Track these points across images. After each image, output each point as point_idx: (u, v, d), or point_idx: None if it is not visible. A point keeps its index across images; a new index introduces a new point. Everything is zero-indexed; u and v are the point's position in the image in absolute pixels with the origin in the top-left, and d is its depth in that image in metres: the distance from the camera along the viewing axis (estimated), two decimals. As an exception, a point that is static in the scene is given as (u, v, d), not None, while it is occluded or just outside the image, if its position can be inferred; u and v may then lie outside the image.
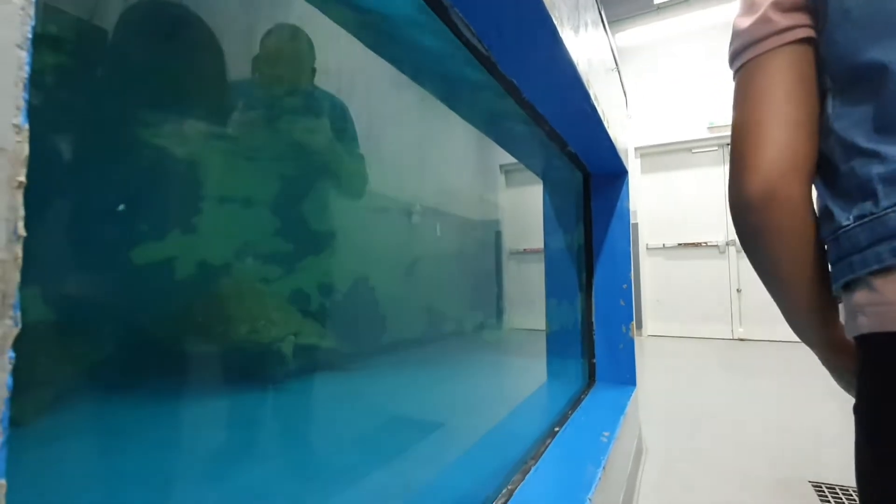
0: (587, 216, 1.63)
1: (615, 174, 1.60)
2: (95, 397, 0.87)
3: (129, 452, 0.84)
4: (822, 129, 0.42)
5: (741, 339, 3.88)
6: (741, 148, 0.44)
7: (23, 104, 0.11)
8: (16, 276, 0.11)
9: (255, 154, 1.12)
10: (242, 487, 0.81)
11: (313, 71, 1.15)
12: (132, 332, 1.00)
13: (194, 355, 1.07)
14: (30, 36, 0.12)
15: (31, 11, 0.12)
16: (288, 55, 1.12)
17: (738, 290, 3.95)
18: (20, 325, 0.11)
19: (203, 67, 1.02)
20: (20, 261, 0.11)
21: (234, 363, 1.13)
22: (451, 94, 0.96)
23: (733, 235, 4.00)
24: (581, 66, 0.82)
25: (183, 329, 1.07)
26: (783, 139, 0.42)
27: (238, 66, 1.09)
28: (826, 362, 0.52)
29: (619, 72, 1.52)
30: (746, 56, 0.44)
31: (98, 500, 0.68)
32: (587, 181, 1.63)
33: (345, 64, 1.23)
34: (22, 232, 0.11)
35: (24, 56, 0.12)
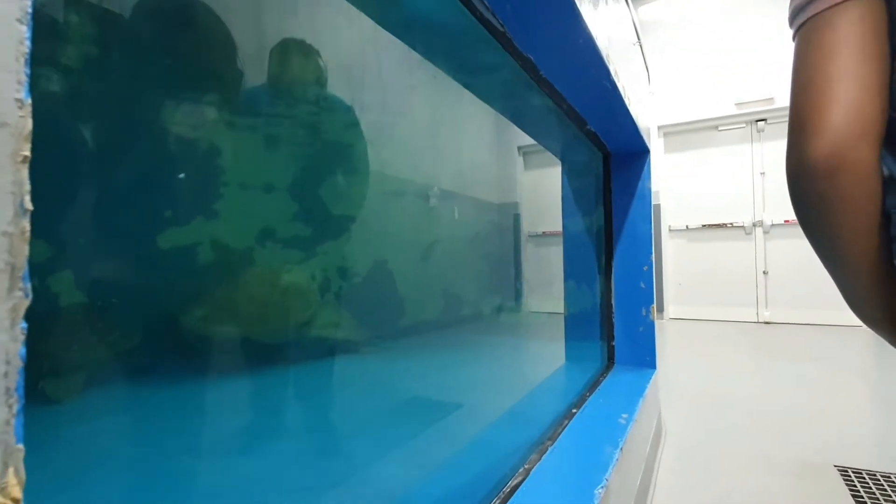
0: (607, 197, 1.60)
1: (636, 153, 1.56)
2: (125, 378, 0.91)
3: (157, 429, 0.87)
4: (892, 93, 0.39)
5: (767, 323, 3.80)
6: (805, 110, 0.40)
7: (24, 79, 0.12)
8: (25, 250, 0.12)
9: (275, 143, 1.13)
10: (272, 460, 0.84)
11: (320, 78, 1.15)
12: (159, 316, 1.03)
13: (216, 338, 1.10)
14: (29, 10, 0.12)
15: (30, -15, 0.12)
16: (296, 75, 1.13)
17: (765, 272, 3.85)
18: (31, 297, 0.12)
19: (224, 65, 1.03)
20: (28, 234, 0.12)
21: (255, 346, 1.16)
22: (467, 73, 0.94)
23: (760, 216, 3.88)
24: (601, 42, 0.79)
25: (206, 312, 1.09)
26: (852, 99, 0.38)
27: (255, 66, 1.09)
28: (894, 342, 0.49)
29: (641, 47, 1.47)
30: (811, 10, 0.40)
31: (128, 469, 0.72)
32: (607, 161, 1.60)
33: (359, 45, 1.22)
34: (28, 206, 0.12)
35: (25, 30, 0.12)
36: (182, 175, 0.98)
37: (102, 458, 0.74)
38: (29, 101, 0.12)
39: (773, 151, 3.86)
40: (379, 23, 0.74)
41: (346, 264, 1.34)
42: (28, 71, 0.12)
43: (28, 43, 0.12)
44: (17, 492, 0.11)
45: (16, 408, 0.11)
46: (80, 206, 0.79)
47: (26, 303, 0.12)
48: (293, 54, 1.14)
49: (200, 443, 0.87)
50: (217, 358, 1.08)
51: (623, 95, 1.05)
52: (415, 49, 0.87)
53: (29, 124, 0.12)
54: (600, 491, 0.70)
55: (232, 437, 0.91)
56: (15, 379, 0.11)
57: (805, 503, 1.02)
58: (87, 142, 0.82)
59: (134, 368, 0.92)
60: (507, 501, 0.67)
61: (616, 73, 0.94)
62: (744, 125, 3.95)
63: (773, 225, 3.84)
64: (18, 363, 0.11)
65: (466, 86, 1.05)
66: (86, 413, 0.80)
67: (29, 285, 0.12)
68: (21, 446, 0.11)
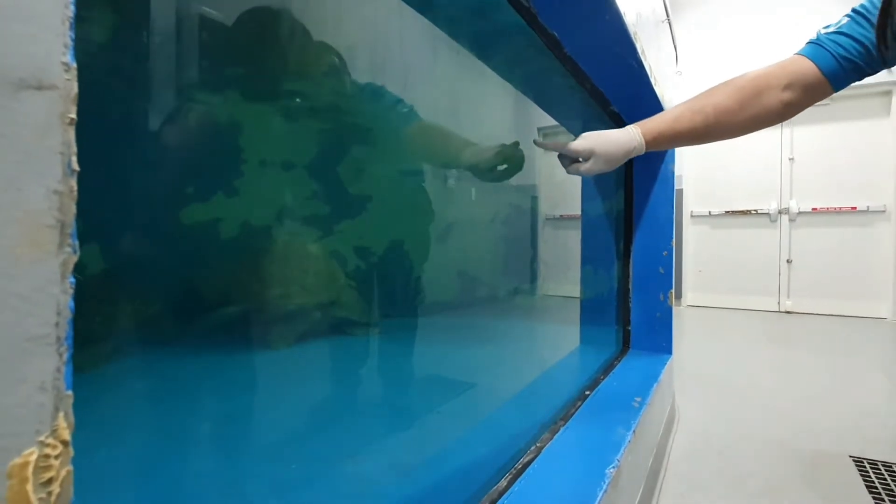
0: (628, 180, 1.57)
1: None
2: (149, 348, 0.94)
3: (180, 398, 0.91)
4: None
5: (788, 312, 3.73)
6: None
7: (70, 42, 0.12)
8: (73, 208, 0.12)
9: (295, 119, 1.13)
10: (285, 430, 0.86)
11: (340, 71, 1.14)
12: (182, 289, 1.06)
13: (238, 312, 1.12)
14: (73, -25, 0.12)
15: (73, -50, 0.12)
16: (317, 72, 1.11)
17: (789, 261, 3.76)
18: (78, 253, 0.12)
19: (252, 45, 1.02)
20: (76, 193, 0.12)
21: (271, 322, 1.19)
22: (489, 49, 0.93)
23: (786, 203, 3.78)
24: (629, 18, 0.77)
25: (228, 287, 1.12)
26: None
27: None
28: None
29: (670, 24, 1.43)
30: None
31: (154, 435, 0.75)
32: (630, 143, 1.56)
33: (379, 21, 1.21)
34: (76, 167, 0.12)
35: (70, -5, 0.12)
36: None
37: (126, 422, 0.78)
38: (74, 64, 0.12)
39: (804, 136, 3.73)
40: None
41: (364, 243, 1.35)
42: (73, 35, 0.12)
43: (72, 7, 0.12)
44: (66, 434, 0.12)
45: (66, 356, 0.12)
46: (108, 181, 0.81)
47: (74, 258, 0.12)
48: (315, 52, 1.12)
49: (218, 411, 0.90)
50: (238, 331, 1.11)
51: (650, 75, 1.02)
52: (435, 24, 0.86)
53: (75, 87, 0.12)
54: (611, 471, 0.70)
55: (259, 408, 0.94)
56: (65, 329, 0.12)
57: (817, 491, 1.02)
58: (124, 124, 0.84)
59: (157, 339, 0.95)
60: (518, 477, 0.68)
61: (643, 51, 0.92)
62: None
63: (799, 213, 3.73)
64: (68, 314, 0.12)
65: (488, 64, 1.04)
66: (111, 381, 0.83)
67: (77, 242, 0.12)
68: (70, 392, 0.12)
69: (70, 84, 0.12)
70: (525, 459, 0.74)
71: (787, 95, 0.67)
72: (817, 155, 3.68)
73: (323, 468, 0.77)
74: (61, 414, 0.12)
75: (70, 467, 0.12)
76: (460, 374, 1.29)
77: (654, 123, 0.73)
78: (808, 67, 0.64)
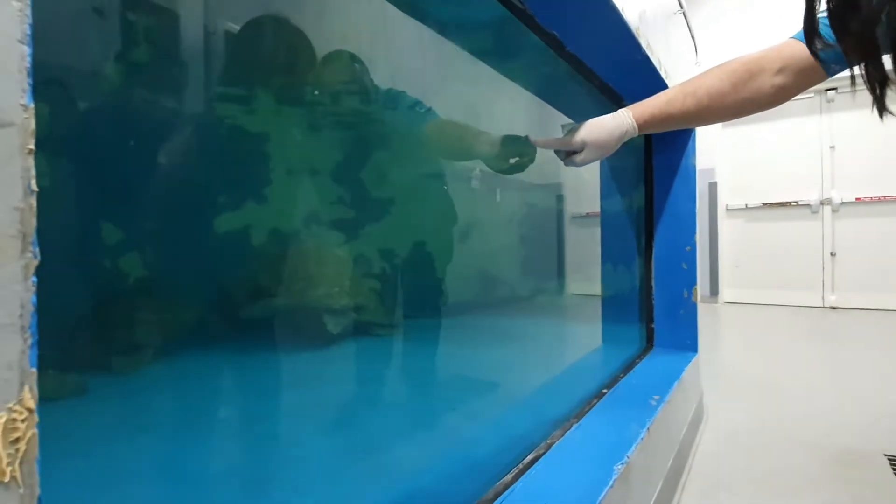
0: (648, 175, 1.55)
1: (680, 129, 1.49)
2: (188, 353, 1.00)
3: (218, 398, 0.96)
4: None
5: (833, 308, 3.55)
6: None
7: (27, 87, 0.15)
8: (33, 221, 0.15)
9: (320, 126, 1.17)
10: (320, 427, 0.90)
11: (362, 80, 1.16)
12: (217, 295, 1.12)
13: (270, 315, 1.18)
14: (29, 32, 0.15)
15: (28, 12, 0.15)
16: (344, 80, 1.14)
17: (833, 254, 3.57)
18: (39, 258, 0.15)
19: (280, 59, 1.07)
20: (34, 209, 0.15)
21: (301, 325, 1.23)
22: (492, 54, 0.94)
23: (828, 193, 3.60)
24: (627, 14, 0.77)
25: (258, 291, 1.17)
26: None
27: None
28: None
29: (685, 16, 1.40)
30: None
31: (195, 428, 0.80)
32: (649, 138, 1.54)
33: (395, 31, 1.23)
34: (34, 187, 0.15)
35: (26, 49, 0.15)
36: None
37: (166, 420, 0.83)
38: (32, 104, 0.15)
39: (845, 122, 3.54)
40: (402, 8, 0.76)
41: (388, 246, 1.38)
42: (30, 81, 0.15)
43: (29, 59, 0.15)
44: (31, 404, 0.15)
45: (30, 342, 0.15)
46: (147, 194, 0.87)
47: (35, 262, 0.15)
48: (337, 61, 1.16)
49: (254, 408, 0.94)
50: (268, 334, 1.16)
51: (659, 69, 1.01)
52: (447, 37, 0.88)
53: (32, 124, 0.15)
54: (620, 467, 0.70)
55: (297, 407, 0.97)
56: (28, 320, 0.15)
57: (849, 491, 0.97)
58: (160, 140, 0.90)
59: (195, 344, 1.01)
60: (524, 472, 0.69)
61: (649, 45, 0.91)
62: (811, 95, 3.64)
63: (842, 203, 3.54)
64: (31, 308, 0.15)
65: (495, 67, 1.05)
66: (149, 383, 0.89)
67: (37, 249, 0.15)
68: (34, 370, 0.15)
69: (28, 121, 0.15)
70: (533, 455, 0.75)
71: (779, 80, 0.65)
72: (860, 142, 3.49)
73: (350, 461, 0.80)
74: (27, 387, 0.15)
75: (35, 430, 0.15)
76: (479, 373, 1.30)
77: (645, 106, 0.73)
78: (802, 51, 0.62)
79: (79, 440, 0.67)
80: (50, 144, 0.68)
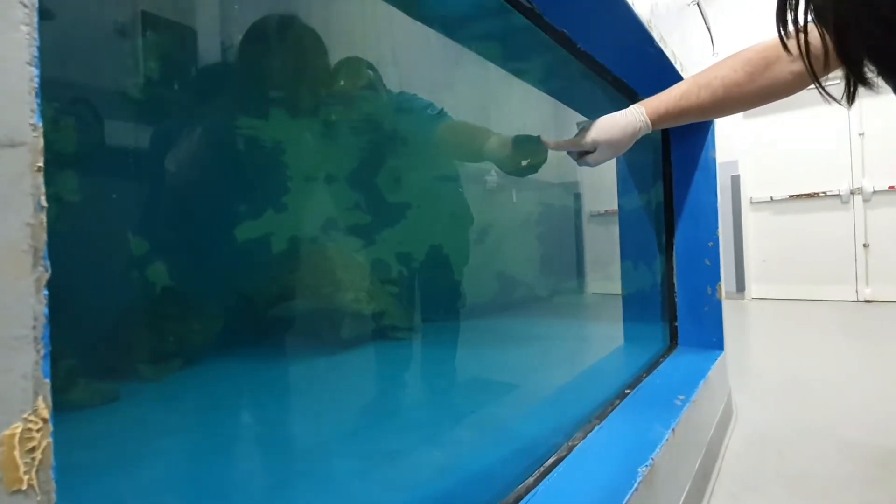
0: (667, 170, 1.52)
1: (698, 122, 1.46)
2: (214, 360, 1.02)
3: (246, 403, 0.98)
4: None
5: (868, 301, 3.42)
6: None
7: (36, 108, 0.15)
8: (43, 236, 0.15)
9: (335, 134, 1.18)
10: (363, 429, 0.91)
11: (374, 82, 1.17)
12: (239, 303, 1.14)
13: (291, 322, 1.19)
14: (36, 55, 0.16)
15: (36, 35, 0.15)
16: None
17: (865, 245, 3.44)
18: (50, 272, 0.16)
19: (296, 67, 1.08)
20: (45, 225, 0.15)
21: (322, 330, 1.25)
22: (502, 55, 0.94)
23: (858, 182, 3.47)
24: (638, 7, 0.76)
25: (279, 297, 1.19)
26: None
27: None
28: None
29: (700, 7, 1.37)
30: None
31: (219, 433, 0.81)
32: (666, 131, 1.51)
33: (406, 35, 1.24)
34: (44, 203, 0.16)
35: (34, 71, 0.15)
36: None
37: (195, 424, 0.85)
38: (41, 124, 0.16)
39: (874, 108, 3.41)
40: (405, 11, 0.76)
41: (405, 249, 1.39)
42: (39, 101, 0.15)
43: (37, 80, 0.15)
44: (45, 413, 0.15)
45: (43, 352, 0.15)
46: (170, 206, 0.90)
47: (47, 276, 0.15)
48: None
49: (280, 414, 0.96)
50: (291, 340, 1.18)
51: (673, 62, 0.99)
52: (459, 41, 0.88)
53: (41, 142, 0.16)
54: (644, 469, 0.69)
55: (324, 411, 0.99)
56: (41, 331, 0.15)
57: (886, 491, 0.93)
58: (182, 153, 0.92)
59: (221, 351, 1.04)
60: (546, 474, 0.69)
61: (662, 38, 0.90)
62: (837, 80, 3.50)
63: (874, 192, 3.41)
64: (43, 320, 0.15)
65: (506, 68, 1.05)
66: (196, 388, 0.92)
67: (48, 262, 0.16)
68: (48, 380, 0.15)
69: (37, 140, 0.15)
70: (555, 457, 0.74)
71: (797, 66, 0.63)
72: (891, 128, 3.36)
73: (381, 461, 0.80)
74: (40, 397, 0.15)
75: (50, 439, 0.15)
76: (497, 375, 1.30)
77: (658, 101, 0.71)
78: (817, 36, 0.60)
79: (112, 445, 0.69)
80: (79, 161, 0.70)
